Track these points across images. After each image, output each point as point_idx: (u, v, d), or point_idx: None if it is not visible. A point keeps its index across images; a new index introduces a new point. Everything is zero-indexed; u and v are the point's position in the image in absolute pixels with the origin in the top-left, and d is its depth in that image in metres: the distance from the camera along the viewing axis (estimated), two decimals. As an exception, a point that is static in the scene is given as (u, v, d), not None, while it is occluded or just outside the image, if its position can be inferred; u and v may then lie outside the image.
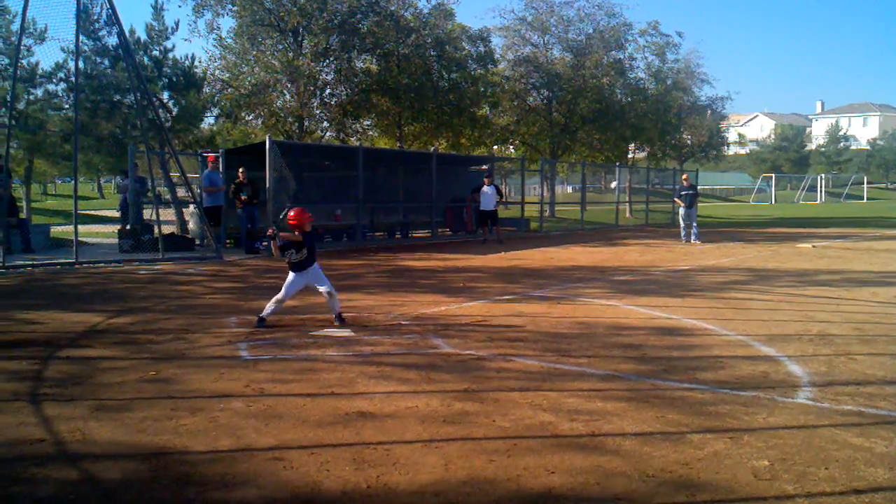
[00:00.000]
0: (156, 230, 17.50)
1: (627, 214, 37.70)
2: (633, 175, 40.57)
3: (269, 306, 9.01)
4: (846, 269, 16.02)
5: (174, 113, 23.10)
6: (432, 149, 29.34)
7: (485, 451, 4.89)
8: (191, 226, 20.55)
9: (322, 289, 9.03)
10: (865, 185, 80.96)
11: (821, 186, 75.15)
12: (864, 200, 72.93)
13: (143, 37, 22.22)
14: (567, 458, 4.79)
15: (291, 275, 9.02)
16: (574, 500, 4.21)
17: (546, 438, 5.17)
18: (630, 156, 45.70)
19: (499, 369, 7.05)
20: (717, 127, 53.30)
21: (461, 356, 7.53)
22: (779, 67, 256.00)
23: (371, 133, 34.64)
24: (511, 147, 42.61)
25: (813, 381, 6.72)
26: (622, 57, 38.67)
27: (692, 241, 23.07)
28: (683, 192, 24.07)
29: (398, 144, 32.42)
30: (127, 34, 18.45)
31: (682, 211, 23.95)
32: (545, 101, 37.93)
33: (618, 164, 39.13)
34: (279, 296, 8.99)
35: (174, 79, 22.75)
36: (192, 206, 20.11)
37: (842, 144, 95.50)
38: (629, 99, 38.81)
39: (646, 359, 7.52)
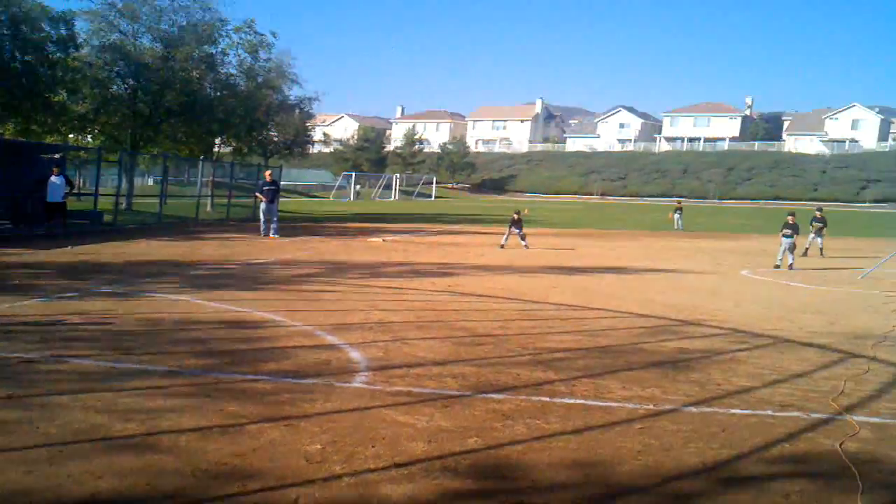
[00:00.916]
0: None
1: (209, 208, 37.24)
2: (216, 169, 40.16)
3: None
4: (409, 261, 17.46)
5: None
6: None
7: (24, 462, 4.54)
8: None
9: None
10: (435, 185, 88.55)
11: (396, 185, 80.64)
12: (433, 198, 79.74)
13: None
14: (117, 460, 4.62)
15: None
16: (121, 503, 4.05)
17: (96, 442, 4.94)
18: (216, 150, 45.18)
19: (49, 371, 6.57)
20: (303, 126, 54.63)
21: (7, 359, 6.86)
22: (364, 72, 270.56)
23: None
24: (89, 136, 39.87)
25: (370, 365, 7.20)
26: (214, 52, 38.11)
27: (271, 235, 23.42)
28: (265, 188, 24.36)
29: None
30: None
31: (263, 206, 24.20)
32: (130, 90, 36.07)
33: (202, 157, 38.48)
34: None
35: None
36: None
37: (416, 147, 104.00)
38: (219, 94, 38.36)
39: (211, 353, 7.49)
